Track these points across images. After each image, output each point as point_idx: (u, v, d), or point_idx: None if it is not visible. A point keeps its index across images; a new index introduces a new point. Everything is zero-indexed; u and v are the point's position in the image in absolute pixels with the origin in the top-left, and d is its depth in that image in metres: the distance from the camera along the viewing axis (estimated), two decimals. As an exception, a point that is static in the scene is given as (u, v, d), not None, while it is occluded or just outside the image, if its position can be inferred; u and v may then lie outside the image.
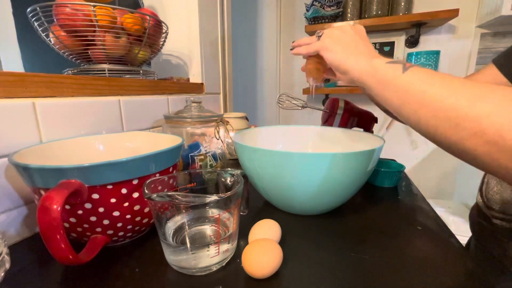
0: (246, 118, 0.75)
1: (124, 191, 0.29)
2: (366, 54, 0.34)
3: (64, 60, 0.56)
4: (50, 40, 0.51)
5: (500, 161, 0.21)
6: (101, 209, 0.28)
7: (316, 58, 0.42)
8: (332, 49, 0.36)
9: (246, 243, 0.33)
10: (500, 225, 0.45)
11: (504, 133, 0.20)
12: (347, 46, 0.36)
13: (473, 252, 0.52)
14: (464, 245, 0.56)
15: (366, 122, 0.60)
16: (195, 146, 0.50)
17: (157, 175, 0.32)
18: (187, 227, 0.32)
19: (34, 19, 0.48)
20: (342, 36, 0.37)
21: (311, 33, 1.49)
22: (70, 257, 0.24)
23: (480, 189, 0.53)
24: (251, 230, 0.33)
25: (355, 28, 0.37)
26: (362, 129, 0.52)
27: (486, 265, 0.47)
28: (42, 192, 0.27)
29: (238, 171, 0.32)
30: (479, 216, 0.50)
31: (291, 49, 0.45)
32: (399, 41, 1.40)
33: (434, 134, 0.26)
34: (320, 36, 0.39)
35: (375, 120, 0.62)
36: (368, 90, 0.33)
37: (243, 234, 0.35)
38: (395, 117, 0.58)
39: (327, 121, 0.62)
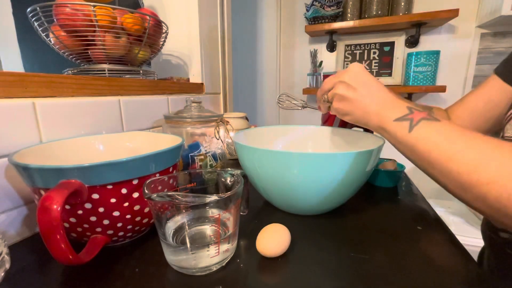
0: (246, 118, 0.75)
1: (124, 191, 0.29)
2: (375, 114, 0.34)
3: (64, 60, 0.56)
4: (50, 40, 0.51)
5: (505, 222, 0.23)
6: (101, 209, 0.28)
7: None
8: (346, 113, 0.38)
9: (246, 243, 0.34)
10: (509, 239, 0.43)
11: (503, 201, 0.21)
12: (357, 108, 0.36)
13: (487, 265, 0.50)
14: (477, 256, 0.55)
15: (366, 122, 0.60)
16: (195, 146, 0.50)
17: (157, 175, 0.32)
18: (187, 227, 0.32)
19: (34, 19, 0.48)
20: (347, 92, 0.36)
21: (311, 33, 1.49)
22: (70, 257, 0.24)
23: None
24: (259, 236, 0.31)
25: (363, 73, 0.37)
26: (362, 129, 0.52)
27: (500, 278, 0.45)
28: (42, 192, 0.27)
29: (238, 171, 0.32)
30: (488, 229, 0.49)
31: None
32: (399, 41, 1.40)
33: (447, 189, 0.28)
34: (328, 101, 0.41)
35: (375, 120, 0.62)
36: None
37: (243, 234, 0.35)
38: None
39: (327, 121, 0.62)
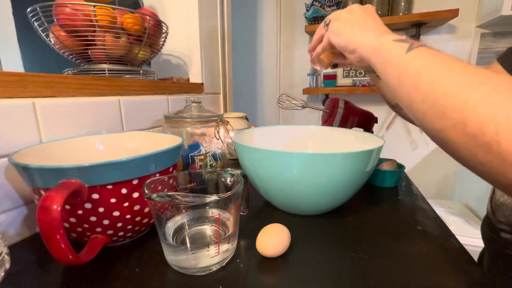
0: (246, 118, 0.75)
1: (124, 191, 0.29)
2: (374, 30, 0.33)
3: (64, 60, 0.56)
4: (50, 40, 0.51)
5: (478, 155, 0.20)
6: (101, 209, 0.28)
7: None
8: (340, 32, 0.36)
9: (246, 243, 0.34)
10: (510, 239, 0.42)
11: (484, 126, 0.19)
12: (354, 24, 0.35)
13: (487, 266, 0.49)
14: (477, 256, 0.53)
15: (366, 122, 0.60)
16: (195, 146, 0.50)
17: (157, 175, 0.32)
18: (187, 227, 0.32)
19: (34, 19, 0.48)
20: (349, 16, 0.36)
21: (311, 33, 1.49)
22: (70, 257, 0.24)
23: (490, 198, 0.49)
24: (259, 236, 0.31)
25: (364, 7, 0.36)
26: (362, 129, 0.52)
27: (500, 279, 0.44)
28: (42, 192, 0.27)
29: (238, 171, 0.32)
30: (489, 229, 0.48)
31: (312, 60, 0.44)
32: (399, 41, 1.40)
33: (421, 120, 0.25)
34: (328, 24, 0.38)
35: (375, 120, 0.62)
36: (373, 68, 0.32)
37: (243, 234, 0.35)
38: (398, 112, 0.57)
39: (327, 121, 0.62)
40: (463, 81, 0.22)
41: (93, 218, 0.28)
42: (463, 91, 0.21)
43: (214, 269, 0.28)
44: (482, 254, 0.54)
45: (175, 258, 0.29)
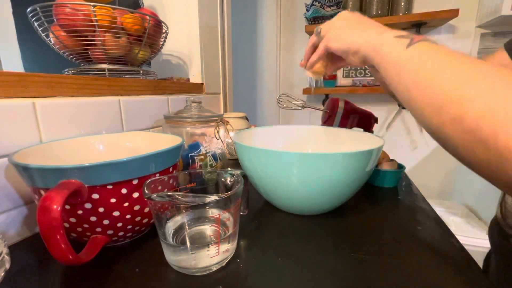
0: (246, 118, 0.75)
1: (124, 191, 0.29)
2: (374, 28, 0.33)
3: (64, 60, 0.56)
4: (50, 40, 0.51)
5: (476, 152, 0.20)
6: (101, 209, 0.28)
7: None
8: (339, 37, 0.36)
9: (246, 243, 0.34)
10: None
11: (481, 121, 0.19)
12: (351, 27, 0.35)
13: (494, 270, 0.48)
14: (482, 258, 0.51)
15: (366, 122, 0.60)
16: (195, 146, 0.50)
17: (157, 175, 0.32)
18: (187, 227, 0.32)
19: (34, 19, 0.48)
20: (343, 22, 0.36)
21: (311, 33, 1.49)
22: (70, 257, 0.24)
23: (500, 203, 0.48)
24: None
25: (352, 12, 0.37)
26: (362, 129, 0.52)
27: (509, 285, 0.43)
28: (42, 192, 0.27)
29: (238, 171, 0.33)
30: (498, 235, 0.46)
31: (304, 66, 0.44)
32: (399, 41, 1.40)
33: (420, 116, 0.25)
34: (320, 32, 0.38)
35: (375, 120, 0.62)
36: (376, 67, 0.31)
37: (243, 234, 0.35)
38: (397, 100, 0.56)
39: (327, 121, 0.62)
40: (460, 76, 0.22)
41: (93, 218, 0.28)
42: (460, 86, 0.21)
43: (214, 269, 0.28)
44: (488, 257, 0.53)
45: (175, 258, 0.29)
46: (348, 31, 0.35)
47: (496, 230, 0.48)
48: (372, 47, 0.31)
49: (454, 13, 1.17)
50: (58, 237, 0.23)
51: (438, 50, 0.25)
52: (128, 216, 0.30)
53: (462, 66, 0.22)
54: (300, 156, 0.33)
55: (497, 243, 0.48)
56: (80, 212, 0.28)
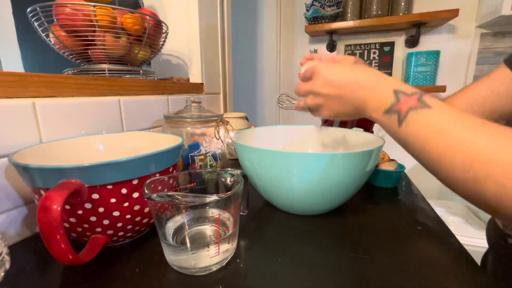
0: (246, 118, 0.75)
1: (124, 191, 0.29)
2: (357, 107, 0.33)
3: (64, 60, 0.56)
4: (50, 40, 0.51)
5: (508, 213, 0.21)
6: (101, 209, 0.28)
7: None
8: (335, 114, 0.36)
9: (246, 243, 0.34)
10: None
11: (502, 196, 0.20)
12: (340, 104, 0.34)
13: (491, 269, 0.49)
14: (479, 257, 0.53)
15: (366, 122, 0.60)
16: (195, 146, 0.50)
17: (157, 175, 0.32)
18: (187, 227, 0.32)
19: (34, 19, 0.48)
20: (329, 100, 0.35)
21: (311, 33, 1.49)
22: (70, 257, 0.24)
23: None
24: None
25: (337, 79, 0.34)
26: (362, 129, 0.52)
27: (506, 283, 0.44)
28: (42, 192, 0.27)
29: (238, 171, 0.32)
30: (495, 234, 0.47)
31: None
32: (399, 41, 1.40)
33: (449, 187, 0.26)
34: (309, 109, 0.39)
35: (375, 120, 0.62)
36: None
37: (243, 234, 0.35)
38: None
39: (327, 121, 0.62)
40: (467, 155, 0.22)
41: (93, 218, 0.28)
42: (469, 167, 0.22)
43: (214, 269, 0.28)
44: (485, 256, 0.54)
45: (175, 258, 0.29)
46: (341, 108, 0.35)
47: (493, 229, 0.49)
48: (371, 118, 0.32)
49: (454, 13, 1.17)
50: (58, 237, 0.23)
51: (430, 122, 0.25)
52: (128, 216, 0.30)
53: (465, 136, 0.23)
54: (300, 156, 0.33)
55: (493, 242, 0.48)
56: (80, 212, 0.28)
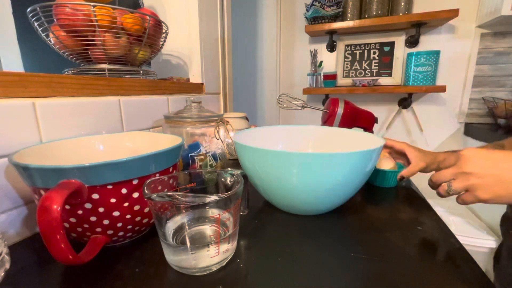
0: (246, 118, 0.75)
1: (124, 191, 0.29)
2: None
3: (64, 60, 0.56)
4: (50, 40, 0.51)
5: None
6: (101, 209, 0.28)
7: None
8: (488, 194, 0.33)
9: (246, 243, 0.34)
10: None
11: None
12: (498, 181, 0.32)
13: (504, 263, 0.49)
14: (494, 252, 0.54)
15: (366, 122, 0.60)
16: (195, 146, 0.50)
17: (157, 175, 0.32)
18: (187, 227, 0.32)
19: (34, 19, 0.48)
20: (483, 179, 0.33)
21: (311, 33, 1.49)
22: (70, 257, 0.24)
23: None
24: None
25: (473, 156, 0.34)
26: (362, 129, 0.52)
27: None
28: (42, 192, 0.27)
29: (238, 171, 0.32)
30: (508, 227, 0.48)
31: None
32: (399, 41, 1.40)
33: None
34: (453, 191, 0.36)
35: (375, 120, 0.62)
36: None
37: (243, 234, 0.35)
38: None
39: (327, 121, 0.62)
40: None
41: (93, 218, 0.28)
42: None
43: (214, 269, 0.28)
44: (498, 251, 0.54)
45: (175, 258, 0.29)
46: (495, 191, 0.33)
47: (507, 224, 0.49)
48: None
49: (454, 13, 1.17)
50: (58, 237, 0.23)
51: None
52: (128, 216, 0.30)
53: None
54: (300, 156, 0.33)
55: (507, 236, 0.49)
56: (80, 212, 0.28)
